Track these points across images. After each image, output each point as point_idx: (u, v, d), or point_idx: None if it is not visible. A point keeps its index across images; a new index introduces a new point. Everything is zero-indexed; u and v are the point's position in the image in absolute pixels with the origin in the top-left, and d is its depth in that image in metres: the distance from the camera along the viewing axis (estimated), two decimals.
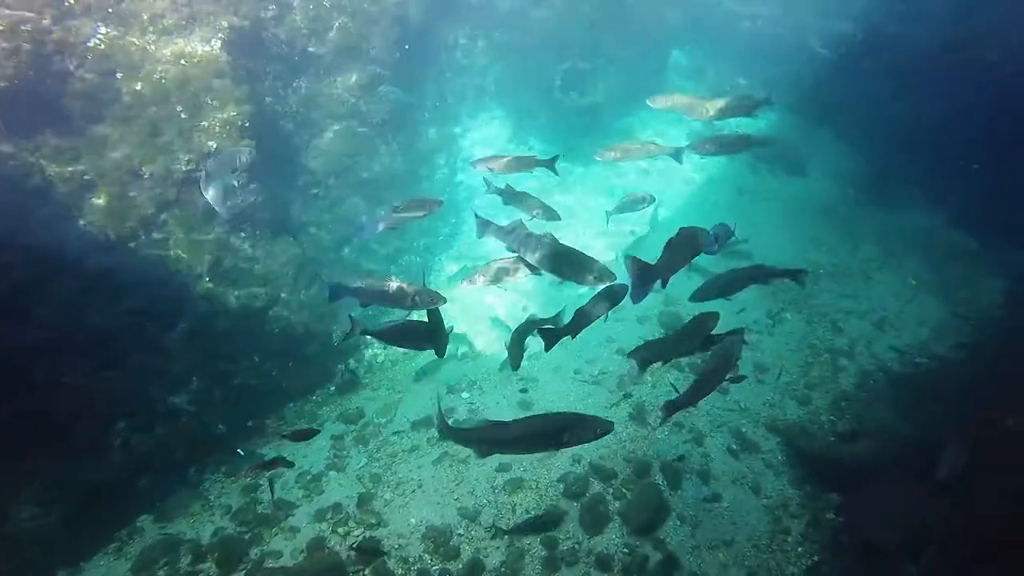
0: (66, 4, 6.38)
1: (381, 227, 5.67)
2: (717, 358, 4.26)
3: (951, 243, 9.50)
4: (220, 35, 7.07)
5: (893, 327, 8.37)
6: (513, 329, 5.18)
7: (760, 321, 8.38)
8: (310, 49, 8.36)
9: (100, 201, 6.50)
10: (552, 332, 4.33)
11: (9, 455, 5.84)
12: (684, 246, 4.16)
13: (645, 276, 4.10)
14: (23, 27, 6.06)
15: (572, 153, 11.44)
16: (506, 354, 7.10)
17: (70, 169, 6.38)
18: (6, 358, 5.77)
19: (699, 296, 4.69)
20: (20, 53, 6.02)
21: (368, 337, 8.67)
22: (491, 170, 6.00)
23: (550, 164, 5.90)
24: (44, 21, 6.22)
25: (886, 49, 9.85)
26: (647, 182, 11.09)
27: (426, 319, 4.46)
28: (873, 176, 10.51)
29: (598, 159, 6.17)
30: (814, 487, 6.58)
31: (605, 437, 6.94)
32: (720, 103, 5.88)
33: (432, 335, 4.46)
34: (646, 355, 4.38)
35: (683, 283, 5.75)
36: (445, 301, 4.60)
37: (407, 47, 9.26)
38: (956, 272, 9.00)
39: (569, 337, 4.30)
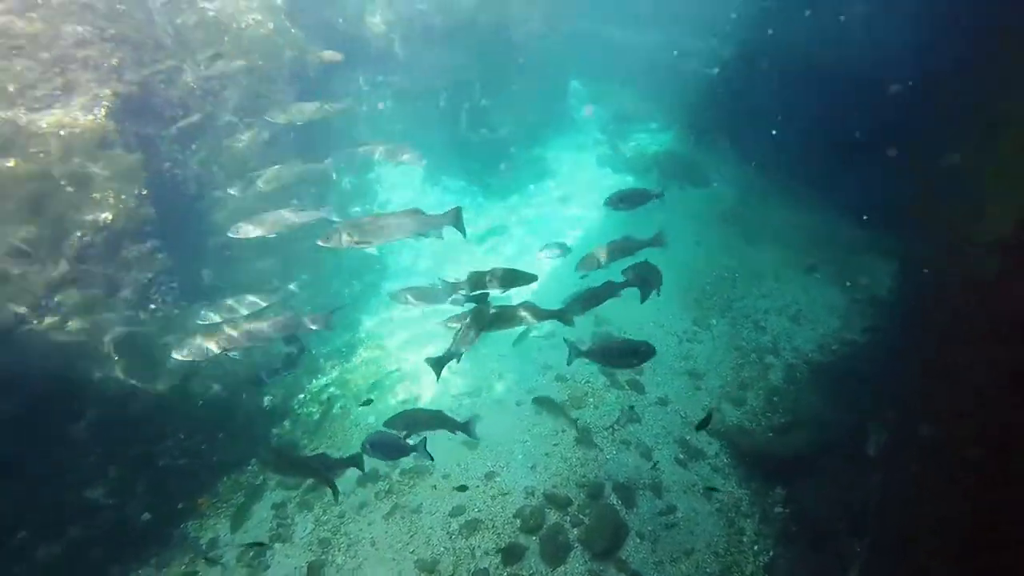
0: None
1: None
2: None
3: (843, 234, 10.25)
4: (105, 103, 6.71)
5: (808, 319, 8.90)
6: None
7: (688, 330, 8.68)
8: (207, 110, 8.09)
9: None
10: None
11: None
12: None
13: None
14: None
15: (488, 188, 11.71)
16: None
17: None
18: None
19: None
20: None
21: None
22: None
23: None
24: None
25: (759, 61, 10.66)
26: (569, 210, 11.41)
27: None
28: (766, 180, 11.27)
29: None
30: (760, 483, 6.80)
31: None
32: None
33: None
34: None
35: (614, 305, 5.97)
36: None
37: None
38: (852, 261, 9.74)
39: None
